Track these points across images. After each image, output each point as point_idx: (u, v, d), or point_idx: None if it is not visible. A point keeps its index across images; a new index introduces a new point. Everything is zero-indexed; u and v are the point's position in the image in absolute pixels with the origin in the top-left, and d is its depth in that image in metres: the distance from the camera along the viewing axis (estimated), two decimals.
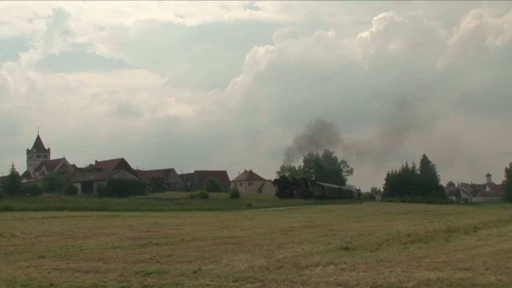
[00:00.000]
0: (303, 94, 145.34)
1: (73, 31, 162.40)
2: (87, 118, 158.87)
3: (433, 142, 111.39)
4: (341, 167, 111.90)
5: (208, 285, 7.10)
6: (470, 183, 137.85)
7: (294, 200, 50.35)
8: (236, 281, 7.29)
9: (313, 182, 69.66)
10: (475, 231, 15.68)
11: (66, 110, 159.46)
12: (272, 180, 76.37)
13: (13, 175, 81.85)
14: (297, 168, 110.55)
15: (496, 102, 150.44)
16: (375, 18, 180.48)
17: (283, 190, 59.76)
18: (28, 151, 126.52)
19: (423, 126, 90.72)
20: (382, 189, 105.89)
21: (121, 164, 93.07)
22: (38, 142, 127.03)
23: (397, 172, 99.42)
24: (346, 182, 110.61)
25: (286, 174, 65.17)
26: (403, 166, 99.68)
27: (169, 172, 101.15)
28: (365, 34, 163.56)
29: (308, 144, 78.24)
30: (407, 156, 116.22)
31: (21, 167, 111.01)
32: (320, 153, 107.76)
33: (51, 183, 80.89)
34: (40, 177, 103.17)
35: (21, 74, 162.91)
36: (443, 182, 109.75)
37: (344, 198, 72.36)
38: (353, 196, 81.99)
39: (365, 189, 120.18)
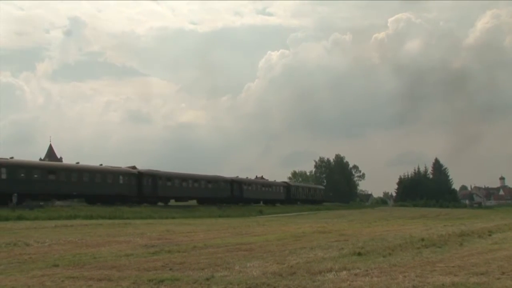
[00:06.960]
0: (318, 98, 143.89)
1: (86, 37, 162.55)
2: (100, 126, 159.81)
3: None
4: (353, 172, 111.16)
5: None
6: (483, 187, 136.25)
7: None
8: (249, 287, 7.28)
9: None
10: (490, 235, 15.53)
11: (80, 118, 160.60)
12: None
13: None
14: (308, 173, 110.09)
15: (510, 103, 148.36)
16: (390, 19, 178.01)
17: None
18: (41, 160, 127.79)
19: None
20: (394, 194, 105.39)
21: None
22: (51, 151, 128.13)
23: (409, 176, 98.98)
24: (358, 187, 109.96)
25: None
26: (415, 170, 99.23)
27: None
28: (381, 36, 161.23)
29: None
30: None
31: None
32: (332, 158, 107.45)
33: None
34: None
35: (37, 84, 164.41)
36: (456, 185, 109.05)
37: (246, 202, 45.67)
38: (298, 198, 59.22)
39: (378, 193, 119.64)
